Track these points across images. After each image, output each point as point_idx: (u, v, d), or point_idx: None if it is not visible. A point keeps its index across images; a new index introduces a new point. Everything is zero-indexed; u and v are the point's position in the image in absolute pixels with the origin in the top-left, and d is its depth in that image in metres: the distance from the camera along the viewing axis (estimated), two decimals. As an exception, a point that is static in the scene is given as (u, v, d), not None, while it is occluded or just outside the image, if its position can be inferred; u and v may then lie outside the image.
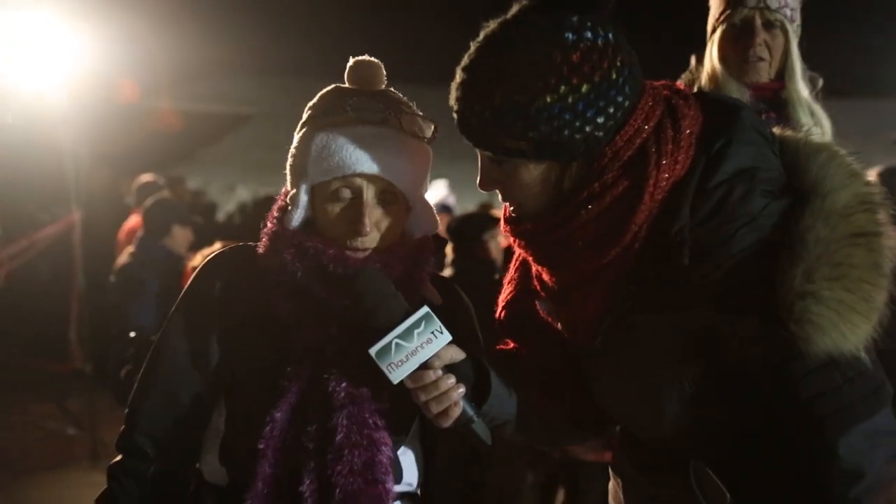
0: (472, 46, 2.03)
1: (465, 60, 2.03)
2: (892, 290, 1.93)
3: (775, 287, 1.88)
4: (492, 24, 2.03)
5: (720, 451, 2.03)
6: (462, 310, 2.54)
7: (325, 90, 2.44)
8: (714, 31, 3.26)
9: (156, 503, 2.43)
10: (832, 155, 2.03)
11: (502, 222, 2.17)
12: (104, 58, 10.71)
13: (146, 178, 9.95)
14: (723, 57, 3.23)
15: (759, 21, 3.18)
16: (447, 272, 6.04)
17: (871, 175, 2.17)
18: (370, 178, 2.30)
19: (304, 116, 2.41)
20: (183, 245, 7.50)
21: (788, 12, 3.18)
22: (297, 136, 2.40)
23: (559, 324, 2.22)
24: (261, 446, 2.26)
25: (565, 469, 5.83)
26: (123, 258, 7.73)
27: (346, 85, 2.43)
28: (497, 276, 6.13)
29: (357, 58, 2.45)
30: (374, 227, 2.32)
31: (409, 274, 2.37)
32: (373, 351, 2.08)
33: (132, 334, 4.97)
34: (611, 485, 2.40)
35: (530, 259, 2.20)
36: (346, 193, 2.31)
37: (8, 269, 10.04)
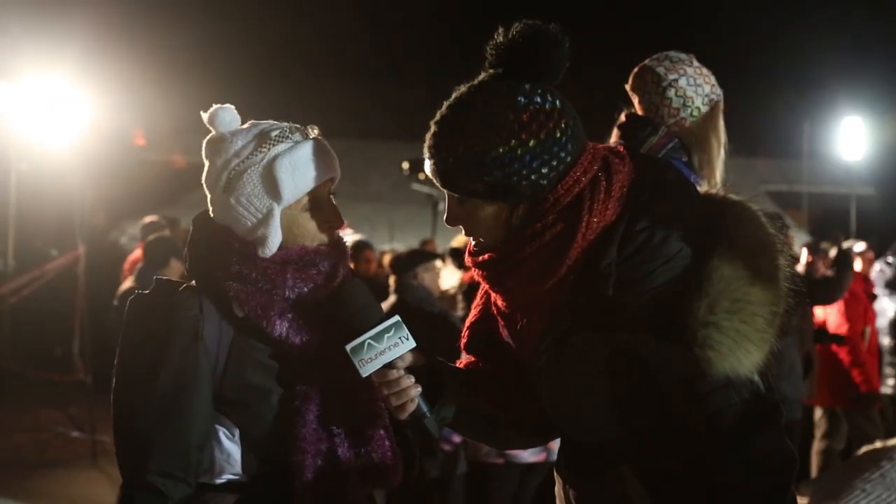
0: (444, 104, 2.08)
1: (437, 116, 2.07)
2: (784, 324, 1.97)
3: (684, 316, 1.90)
4: (462, 87, 2.07)
5: (643, 454, 2.03)
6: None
7: (219, 138, 2.31)
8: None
9: None
10: (744, 209, 2.05)
11: (467, 254, 2.18)
12: (107, 116, 10.68)
13: (150, 218, 9.81)
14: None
15: None
16: (392, 298, 6.13)
17: None
18: (328, 181, 2.33)
19: (227, 164, 2.30)
20: (177, 276, 7.47)
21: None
22: (239, 180, 2.28)
23: (511, 342, 2.21)
24: (302, 444, 2.24)
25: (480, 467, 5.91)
26: (126, 284, 7.68)
27: (218, 131, 2.32)
28: (429, 300, 6.23)
29: (217, 106, 2.33)
30: (338, 218, 2.36)
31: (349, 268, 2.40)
32: (348, 347, 2.10)
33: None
34: (556, 487, 2.34)
35: (486, 285, 2.20)
36: (314, 200, 2.32)
37: (20, 296, 9.92)
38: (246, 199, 2.28)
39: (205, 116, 2.34)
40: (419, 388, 2.14)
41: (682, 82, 3.18)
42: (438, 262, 6.98)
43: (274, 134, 2.29)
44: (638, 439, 2.03)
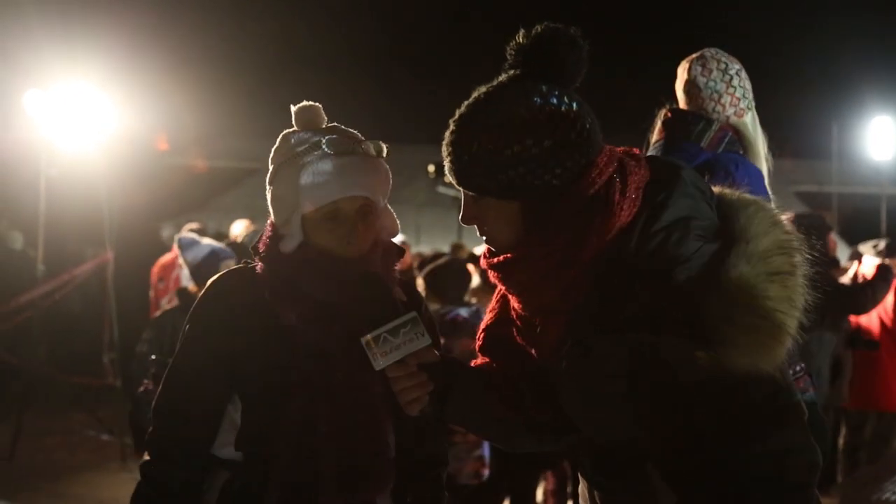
0: (463, 104, 2.09)
1: (456, 114, 2.09)
2: (804, 321, 1.93)
3: (702, 315, 1.88)
4: (481, 88, 2.08)
5: (667, 453, 2.00)
6: (422, 304, 2.64)
7: (286, 135, 2.49)
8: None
9: (187, 494, 2.41)
10: (759, 208, 2.03)
11: (482, 256, 2.17)
12: (135, 121, 10.78)
13: (192, 225, 9.79)
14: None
15: None
16: None
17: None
18: (353, 198, 2.40)
19: (278, 161, 2.46)
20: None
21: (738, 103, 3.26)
22: (277, 177, 2.45)
23: (527, 345, 2.19)
24: (281, 433, 2.33)
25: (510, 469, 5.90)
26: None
27: (297, 128, 2.50)
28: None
29: (301, 104, 2.51)
30: (360, 236, 2.42)
31: (385, 273, 2.46)
32: (363, 339, 2.11)
33: (153, 357, 4.98)
34: (580, 487, 2.35)
35: (502, 287, 2.18)
36: (336, 214, 2.39)
37: (50, 300, 10.00)
38: (277, 196, 2.45)
39: (293, 109, 2.51)
40: (431, 386, 2.16)
41: (743, 73, 3.24)
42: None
43: (314, 141, 2.42)
44: (661, 439, 2.01)
